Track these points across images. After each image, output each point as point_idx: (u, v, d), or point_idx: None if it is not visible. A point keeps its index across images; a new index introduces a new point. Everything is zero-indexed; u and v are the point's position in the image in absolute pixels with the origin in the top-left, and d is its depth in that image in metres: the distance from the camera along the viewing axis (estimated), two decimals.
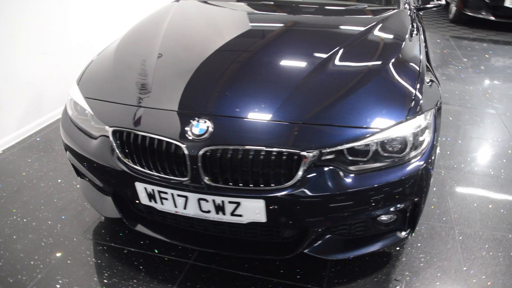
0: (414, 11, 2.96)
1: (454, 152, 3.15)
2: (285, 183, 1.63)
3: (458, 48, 6.01)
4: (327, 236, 1.83)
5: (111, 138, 1.79)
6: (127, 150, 1.78)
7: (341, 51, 2.09)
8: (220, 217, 1.74)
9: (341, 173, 1.65)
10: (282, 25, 2.57)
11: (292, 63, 2.11)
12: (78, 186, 2.66)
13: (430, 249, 2.17)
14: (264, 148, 1.61)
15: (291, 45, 2.29)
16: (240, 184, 1.65)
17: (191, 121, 1.69)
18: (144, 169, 1.75)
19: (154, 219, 2.00)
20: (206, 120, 1.69)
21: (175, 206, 1.77)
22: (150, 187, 1.75)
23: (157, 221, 2.01)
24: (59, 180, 2.74)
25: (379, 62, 2.05)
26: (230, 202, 1.67)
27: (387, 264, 2.07)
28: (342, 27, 2.57)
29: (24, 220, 2.36)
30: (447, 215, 2.43)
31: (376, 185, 1.66)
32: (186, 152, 1.63)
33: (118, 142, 1.79)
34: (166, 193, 1.74)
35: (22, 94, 3.33)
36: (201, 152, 1.62)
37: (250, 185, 1.65)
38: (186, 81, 1.94)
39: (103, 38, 3.88)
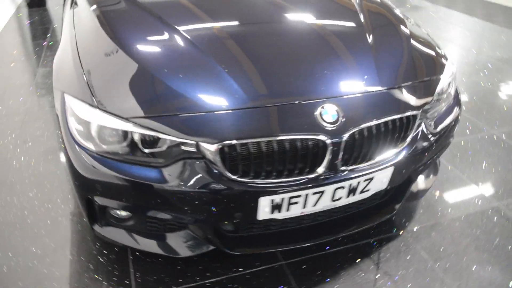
0: None
1: None
2: (402, 144, 1.66)
3: None
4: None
5: (215, 157, 1.42)
6: (239, 166, 1.46)
7: (369, 16, 2.10)
8: (347, 200, 1.66)
9: (426, 122, 1.78)
10: None
11: (341, 32, 1.98)
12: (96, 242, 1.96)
13: None
14: (392, 117, 1.58)
15: (313, 13, 2.12)
16: (371, 159, 1.60)
17: (317, 109, 1.50)
18: (269, 180, 1.48)
19: (251, 234, 1.72)
20: (331, 105, 1.52)
21: (304, 207, 1.59)
22: (278, 197, 1.51)
23: (243, 237, 1.74)
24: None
25: (399, 22, 2.13)
26: (365, 180, 1.61)
27: None
28: None
29: None
30: None
31: (449, 122, 1.87)
32: (329, 142, 1.46)
33: (224, 159, 1.44)
34: (299, 196, 1.53)
35: None
36: (344, 138, 1.48)
37: (380, 157, 1.62)
38: (270, 68, 1.66)
39: None
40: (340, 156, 1.51)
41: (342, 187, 1.58)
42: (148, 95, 1.53)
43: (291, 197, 1.52)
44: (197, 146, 1.44)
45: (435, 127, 1.81)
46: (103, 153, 1.50)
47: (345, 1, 2.29)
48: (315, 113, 1.50)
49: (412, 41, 1.98)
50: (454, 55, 4.50)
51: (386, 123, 1.59)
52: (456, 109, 1.95)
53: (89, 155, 1.51)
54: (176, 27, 1.82)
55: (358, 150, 1.57)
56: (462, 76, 3.97)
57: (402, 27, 2.09)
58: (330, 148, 1.48)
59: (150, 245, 1.69)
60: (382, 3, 2.37)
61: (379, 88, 1.66)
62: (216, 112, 1.47)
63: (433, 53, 1.99)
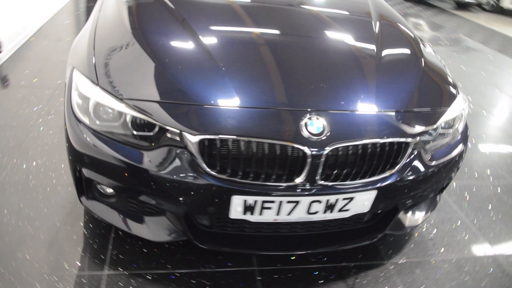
0: None
1: None
2: (391, 170, 1.64)
3: None
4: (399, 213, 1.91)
5: (195, 148, 1.47)
6: (217, 162, 1.49)
7: (382, 39, 2.10)
8: (324, 216, 1.64)
9: (423, 153, 1.74)
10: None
11: (350, 49, 2.01)
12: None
13: None
14: (380, 140, 1.56)
15: (329, 29, 2.16)
16: (354, 179, 1.59)
17: (303, 119, 1.52)
18: (245, 180, 1.51)
19: (224, 232, 1.74)
20: (318, 117, 1.53)
21: (277, 214, 1.59)
22: (251, 199, 1.52)
23: (218, 234, 1.76)
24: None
25: (415, 50, 2.12)
26: (344, 199, 1.59)
27: None
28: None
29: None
30: None
31: (450, 158, 1.82)
32: (308, 153, 1.47)
33: (203, 152, 1.48)
34: (272, 202, 1.54)
35: None
36: (325, 152, 1.48)
37: (364, 178, 1.60)
38: (266, 73, 1.70)
39: None
40: (320, 169, 1.51)
41: (319, 201, 1.57)
42: (146, 82, 1.61)
43: (264, 201, 1.53)
44: (181, 135, 1.49)
45: (431, 161, 1.76)
46: (96, 128, 1.58)
47: (363, 21, 2.30)
48: (300, 123, 1.51)
49: (424, 71, 1.95)
50: (494, 100, 4.35)
51: (374, 145, 1.57)
52: (460, 146, 1.89)
53: (84, 129, 1.59)
54: (192, 26, 1.90)
55: (341, 167, 1.56)
56: (497, 122, 3.83)
57: (417, 54, 2.07)
58: (309, 159, 1.48)
59: (126, 224, 1.74)
60: (401, 29, 2.36)
61: (373, 109, 1.65)
62: (204, 106, 1.52)
63: (444, 85, 1.95)
